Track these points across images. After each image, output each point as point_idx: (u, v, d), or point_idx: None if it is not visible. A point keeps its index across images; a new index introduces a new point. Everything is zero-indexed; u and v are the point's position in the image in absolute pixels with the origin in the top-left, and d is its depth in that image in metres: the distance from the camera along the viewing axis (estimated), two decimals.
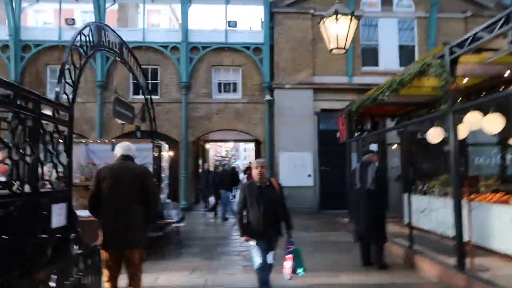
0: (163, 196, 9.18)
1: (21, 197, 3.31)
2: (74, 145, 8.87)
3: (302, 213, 13.11)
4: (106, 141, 9.24)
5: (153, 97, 15.13)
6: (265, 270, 4.25)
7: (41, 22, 20.34)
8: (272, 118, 14.68)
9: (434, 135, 7.54)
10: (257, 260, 4.26)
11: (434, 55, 5.57)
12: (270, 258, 4.33)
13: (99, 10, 14.59)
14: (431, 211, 8.02)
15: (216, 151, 60.33)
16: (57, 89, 4.20)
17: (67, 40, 14.27)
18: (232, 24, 15.21)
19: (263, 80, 15.00)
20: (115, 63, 14.37)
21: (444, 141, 8.54)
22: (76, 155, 8.67)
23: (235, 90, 15.50)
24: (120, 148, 4.43)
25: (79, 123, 14.88)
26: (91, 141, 9.27)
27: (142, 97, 14.92)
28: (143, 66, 15.18)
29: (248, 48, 15.14)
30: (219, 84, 15.53)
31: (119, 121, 9.10)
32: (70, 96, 4.41)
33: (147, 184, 4.12)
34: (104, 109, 14.62)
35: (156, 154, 8.70)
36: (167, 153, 10.14)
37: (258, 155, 17.43)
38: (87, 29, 4.93)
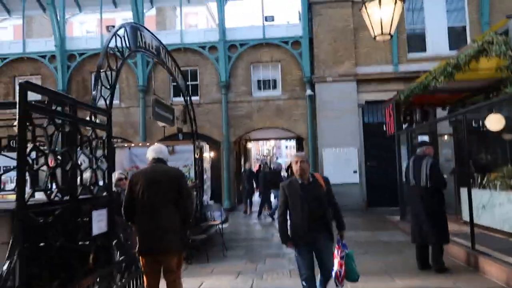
0: (205, 197, 9.09)
1: (60, 205, 3.24)
2: (118, 150, 9.02)
3: (349, 210, 12.56)
4: (148, 144, 9.29)
5: (193, 98, 15.25)
6: (311, 281, 3.86)
7: (85, 31, 21.16)
8: (314, 114, 14.25)
9: (494, 122, 6.86)
10: (303, 270, 3.86)
11: (495, 31, 4.98)
12: (324, 265, 3.84)
13: (138, 15, 14.83)
14: (493, 207, 7.31)
15: (259, 150, 60.49)
16: (94, 92, 4.14)
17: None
18: (269, 19, 14.93)
19: (303, 74, 14.60)
20: (156, 67, 14.57)
21: (506, 129, 7.80)
22: (120, 159, 8.80)
23: (275, 87, 15.22)
24: (152, 152, 4.32)
25: (123, 127, 15.28)
26: (133, 144, 9.38)
27: (183, 99, 15.11)
28: (182, 68, 15.30)
29: (286, 42, 14.80)
30: (259, 81, 15.32)
31: (160, 123, 9.13)
32: (108, 100, 4.34)
33: (181, 186, 3.98)
34: (146, 113, 14.85)
35: (197, 156, 8.61)
36: (208, 154, 10.05)
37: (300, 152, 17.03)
38: (122, 30, 4.85)
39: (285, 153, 63.14)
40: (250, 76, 15.13)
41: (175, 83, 15.40)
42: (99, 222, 3.90)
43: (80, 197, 3.65)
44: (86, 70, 15.52)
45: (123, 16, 17.53)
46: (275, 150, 64.47)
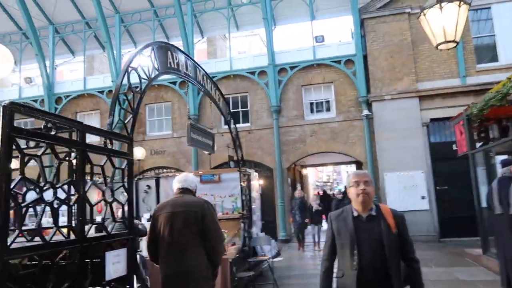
0: (255, 229, 8.40)
1: (58, 246, 2.76)
2: (162, 179, 8.70)
3: (419, 241, 11.20)
4: (199, 172, 8.89)
5: (244, 125, 14.99)
6: None
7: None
8: (373, 135, 13.17)
9: None
10: None
11: None
12: None
13: (188, 46, 14.98)
14: None
15: (317, 176, 58.80)
16: (110, 118, 3.72)
17: (164, 79, 14.96)
18: (319, 39, 14.34)
19: (358, 94, 13.68)
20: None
21: None
22: (165, 188, 8.44)
23: (328, 109, 14.41)
24: (176, 181, 3.80)
25: (176, 157, 15.22)
26: (177, 174, 9.00)
27: (233, 126, 14.77)
28: (232, 95, 15.24)
29: (338, 62, 14.05)
30: (311, 104, 14.62)
31: (205, 151, 8.72)
32: (130, 125, 3.91)
33: (205, 220, 3.37)
34: None
35: (243, 183, 8.02)
36: (257, 182, 9.42)
37: None
38: (149, 49, 4.48)
39: (345, 179, 60.72)
40: (302, 99, 14.49)
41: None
42: (115, 264, 3.37)
43: (90, 235, 3.15)
44: (142, 102, 15.81)
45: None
46: (335, 176, 62.37)
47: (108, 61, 15.95)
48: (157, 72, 4.58)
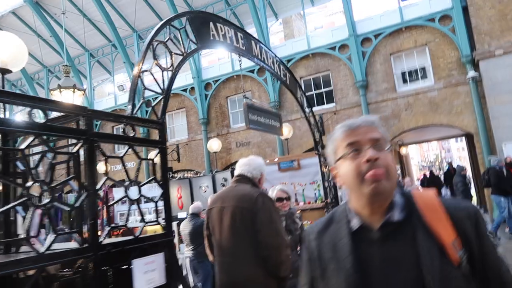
0: None
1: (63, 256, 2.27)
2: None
3: None
4: (276, 160, 8.20)
5: (329, 105, 13.88)
6: None
7: (216, 59, 22.15)
8: (483, 101, 11.04)
9: None
10: None
11: None
12: None
13: (262, 30, 14.35)
14: None
15: (422, 155, 53.85)
16: (131, 102, 3.15)
17: (243, 69, 14.63)
18: None
19: (460, 54, 11.60)
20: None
21: None
22: None
23: (424, 76, 12.53)
24: (237, 166, 3.10)
25: (261, 147, 14.77)
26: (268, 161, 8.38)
27: (317, 108, 13.78)
28: (313, 76, 14.24)
29: (432, 20, 12.09)
30: (403, 73, 12.87)
31: (275, 135, 7.97)
32: (161, 108, 3.33)
33: (257, 219, 2.60)
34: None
35: (325, 169, 7.09)
36: None
37: (473, 153, 13.58)
38: (184, 19, 3.87)
39: (456, 156, 54.42)
40: (392, 69, 12.84)
41: (308, 93, 14.30)
42: (148, 273, 2.82)
43: (112, 240, 2.65)
44: (222, 96, 15.75)
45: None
46: (445, 154, 56.45)
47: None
48: (195, 46, 3.94)
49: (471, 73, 11.17)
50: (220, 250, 2.84)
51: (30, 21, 17.45)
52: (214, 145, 13.22)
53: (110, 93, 20.70)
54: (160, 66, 3.37)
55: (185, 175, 12.50)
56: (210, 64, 17.73)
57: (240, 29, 4.93)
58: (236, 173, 3.01)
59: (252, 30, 15.05)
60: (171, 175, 10.95)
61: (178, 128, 16.95)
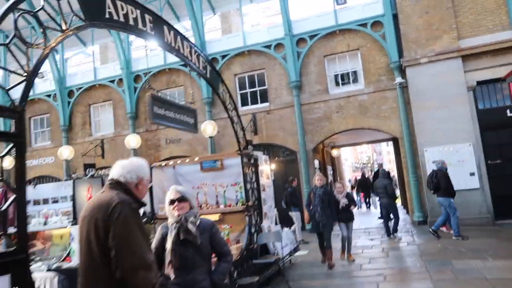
0: (266, 222, 7.10)
1: None
2: (158, 170, 7.57)
3: (469, 225, 9.51)
4: (195, 159, 7.69)
5: (262, 105, 13.61)
6: None
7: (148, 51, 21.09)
8: (408, 106, 11.40)
9: None
10: None
11: None
12: None
13: (197, 25, 13.75)
14: None
15: (357, 157, 56.13)
16: None
17: (176, 62, 13.92)
18: (340, 1, 12.60)
19: (389, 60, 11.89)
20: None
21: None
22: (160, 180, 7.31)
23: (355, 80, 12.71)
24: (112, 167, 2.54)
25: (192, 145, 14.16)
26: (179, 161, 7.84)
27: (251, 107, 13.45)
28: (248, 73, 13.89)
29: (364, 25, 12.27)
30: (336, 76, 12.97)
31: (191, 132, 7.46)
32: (21, 91, 2.69)
33: (111, 233, 2.10)
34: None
35: (248, 170, 6.72)
36: (268, 166, 8.07)
37: (398, 156, 14.08)
38: None
39: (386, 158, 57.54)
40: (325, 71, 12.87)
41: (242, 91, 13.94)
42: None
43: None
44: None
45: (186, 27, 16.67)
46: (376, 157, 59.36)
47: (116, 48, 15.05)
48: (82, 23, 3.33)
49: (398, 79, 11.49)
50: (79, 268, 2.30)
51: None
52: (132, 141, 12.22)
53: None
54: (24, 41, 2.73)
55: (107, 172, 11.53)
56: (142, 56, 16.72)
57: (149, 11, 4.37)
58: (109, 177, 2.47)
59: (187, 23, 14.40)
60: (93, 171, 9.98)
61: (104, 122, 15.79)
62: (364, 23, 12.27)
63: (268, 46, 13.33)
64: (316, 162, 13.67)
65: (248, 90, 13.86)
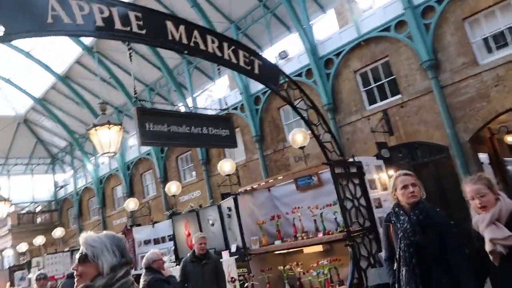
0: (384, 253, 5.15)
1: None
2: (245, 196, 6.48)
3: None
4: (276, 177, 6.29)
5: (394, 98, 11.30)
6: None
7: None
8: None
9: None
10: None
11: None
12: None
13: (304, 31, 12.58)
14: None
15: None
16: None
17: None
18: None
19: None
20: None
21: None
22: (251, 208, 6.23)
23: None
24: None
25: (321, 159, 12.71)
26: (270, 180, 6.55)
27: (381, 104, 11.35)
28: (371, 66, 11.86)
29: None
30: (485, 40, 9.79)
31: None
32: None
33: None
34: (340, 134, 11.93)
35: (345, 183, 5.03)
36: (384, 174, 6.04)
37: None
38: None
39: None
40: (468, 38, 9.86)
41: (366, 88, 11.96)
42: None
43: None
44: (273, 108, 14.25)
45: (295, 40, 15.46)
46: None
47: (233, 77, 15.00)
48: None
49: None
50: None
51: (93, 67, 18.19)
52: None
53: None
54: None
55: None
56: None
57: (136, 6, 3.44)
58: None
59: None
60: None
61: (236, 150, 15.81)
62: None
63: (387, 29, 11.09)
64: (484, 157, 10.49)
65: (373, 85, 11.78)
